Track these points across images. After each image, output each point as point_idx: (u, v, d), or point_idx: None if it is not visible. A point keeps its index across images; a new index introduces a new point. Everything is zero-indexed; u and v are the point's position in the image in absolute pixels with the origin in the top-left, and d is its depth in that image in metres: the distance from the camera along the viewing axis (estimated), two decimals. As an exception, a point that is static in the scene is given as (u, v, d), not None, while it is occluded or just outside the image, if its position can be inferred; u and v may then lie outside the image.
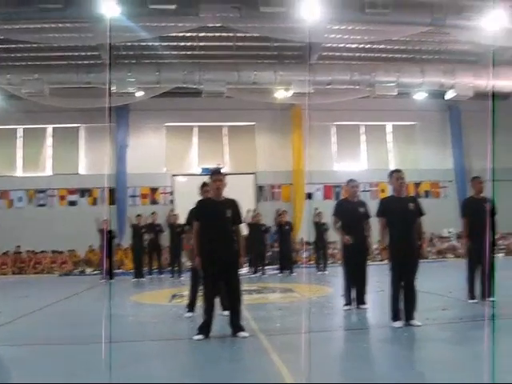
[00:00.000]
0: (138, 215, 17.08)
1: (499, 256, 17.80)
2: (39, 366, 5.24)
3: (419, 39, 19.76)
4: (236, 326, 6.34)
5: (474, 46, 20.19)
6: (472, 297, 8.44)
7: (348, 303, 8.30)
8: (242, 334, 6.26)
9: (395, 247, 6.72)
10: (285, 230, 16.90)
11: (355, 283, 8.34)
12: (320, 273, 16.27)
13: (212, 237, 6.39)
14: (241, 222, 6.73)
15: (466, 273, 8.58)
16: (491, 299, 8.23)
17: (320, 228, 16.65)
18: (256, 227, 16.55)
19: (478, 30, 17.02)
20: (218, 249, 6.33)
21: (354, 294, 8.33)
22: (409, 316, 6.63)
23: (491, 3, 16.06)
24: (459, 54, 21.38)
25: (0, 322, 7.70)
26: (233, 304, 6.48)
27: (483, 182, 8.80)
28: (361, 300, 8.31)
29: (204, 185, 7.51)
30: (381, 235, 6.94)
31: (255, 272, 16.34)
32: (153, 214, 17.33)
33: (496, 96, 21.79)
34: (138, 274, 16.20)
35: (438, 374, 4.60)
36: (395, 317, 6.61)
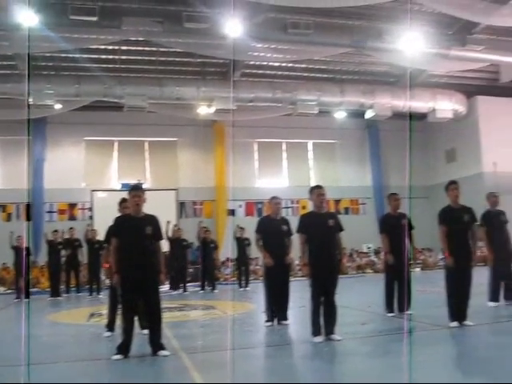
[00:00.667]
0: (55, 231, 16.49)
1: (416, 270, 18.35)
2: None
3: (339, 60, 20.29)
4: (156, 344, 6.17)
5: (392, 67, 20.95)
6: (390, 310, 8.61)
7: (270, 319, 8.27)
8: (163, 352, 6.10)
9: (315, 263, 6.75)
10: (209, 248, 16.74)
11: (277, 299, 8.33)
12: (242, 289, 16.21)
13: (131, 254, 6.21)
14: (161, 239, 6.58)
15: (384, 287, 8.75)
16: (409, 312, 8.44)
17: (242, 244, 16.62)
18: (177, 243, 16.35)
19: (396, 52, 17.69)
20: (136, 266, 6.16)
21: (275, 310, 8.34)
22: (329, 331, 6.65)
23: (408, 27, 16.72)
24: (378, 75, 22.14)
25: None
26: (152, 322, 6.30)
27: (399, 199, 9.06)
28: (282, 316, 8.31)
29: (123, 201, 7.30)
30: (301, 251, 6.96)
31: (176, 289, 16.10)
32: (71, 229, 16.73)
33: (412, 116, 22.62)
34: (55, 292, 15.63)
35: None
36: (316, 332, 6.61)
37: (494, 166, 22.46)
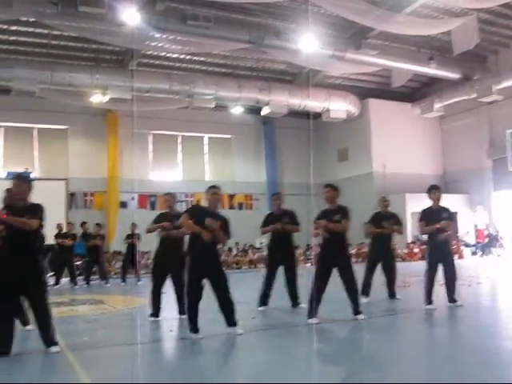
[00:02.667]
0: None
1: (306, 266, 18.72)
2: None
3: (238, 55, 20.36)
4: (47, 341, 5.87)
5: (289, 66, 21.29)
6: (263, 304, 8.85)
7: (154, 314, 8.13)
8: (54, 348, 5.80)
9: (197, 260, 6.73)
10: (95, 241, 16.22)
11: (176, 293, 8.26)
12: (132, 283, 15.87)
13: (12, 247, 5.85)
14: (42, 227, 6.22)
15: (264, 280, 8.94)
16: (301, 305, 8.64)
17: (132, 238, 16.28)
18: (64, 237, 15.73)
19: (293, 51, 17.96)
20: (17, 259, 5.80)
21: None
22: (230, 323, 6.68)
23: (306, 27, 17.04)
24: (275, 73, 22.44)
25: None
26: (40, 319, 5.96)
27: (280, 198, 9.36)
28: (181, 310, 8.22)
29: (8, 191, 6.90)
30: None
31: (57, 283, 15.42)
32: None
33: (307, 115, 23.13)
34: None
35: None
36: (193, 328, 6.57)
37: (383, 166, 23.42)
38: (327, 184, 7.76)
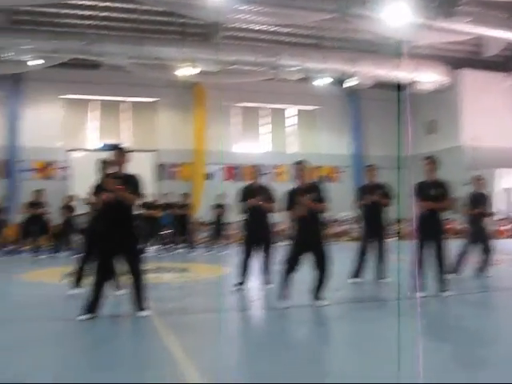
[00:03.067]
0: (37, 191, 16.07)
1: (392, 240, 18.49)
2: None
3: (323, 26, 20.06)
4: (137, 304, 6.16)
5: (375, 36, 20.76)
6: (356, 276, 8.74)
7: (241, 283, 8.28)
8: (143, 313, 6.09)
9: (299, 231, 6.78)
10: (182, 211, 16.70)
11: (262, 264, 8.38)
12: (217, 253, 16.23)
13: (111, 216, 6.15)
14: (142, 197, 6.49)
15: (357, 254, 8.83)
16: (386, 280, 8.57)
17: (219, 209, 16.63)
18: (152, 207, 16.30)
19: (380, 21, 17.50)
20: (116, 228, 6.09)
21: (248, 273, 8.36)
22: (316, 295, 6.75)
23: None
24: (362, 43, 21.91)
25: None
26: (133, 283, 6.26)
27: (375, 170, 9.12)
28: (266, 279, 8.35)
29: (105, 162, 7.22)
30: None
31: (144, 252, 16.01)
32: (38, 191, 16.18)
33: (394, 86, 22.59)
34: (33, 251, 15.54)
35: (333, 353, 4.65)
36: (283, 297, 6.64)
37: (473, 140, 22.61)
38: (427, 156, 7.66)
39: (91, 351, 4.81)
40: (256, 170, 8.78)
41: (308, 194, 6.81)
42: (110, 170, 6.55)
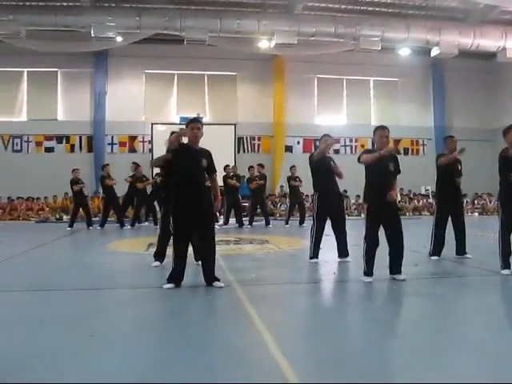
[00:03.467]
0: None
1: (474, 215, 18.01)
2: (10, 313, 5.18)
3: (406, -7, 19.50)
4: (210, 276, 6.32)
5: (460, 2, 19.98)
6: (434, 254, 8.52)
7: (314, 256, 8.30)
8: (218, 284, 6.25)
9: (374, 204, 6.66)
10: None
11: (336, 237, 8.35)
12: (296, 225, 16.30)
13: (187, 184, 6.31)
14: (215, 172, 6.61)
15: (434, 229, 8.63)
16: (467, 256, 8.37)
17: (291, 182, 16.66)
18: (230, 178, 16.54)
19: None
20: (192, 197, 6.25)
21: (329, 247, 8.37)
22: (394, 270, 6.66)
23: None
24: (446, 11, 21.15)
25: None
26: (206, 254, 6.44)
27: (456, 141, 8.79)
28: (342, 253, 8.33)
29: (172, 133, 7.36)
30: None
31: (226, 223, 16.32)
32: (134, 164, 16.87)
33: (479, 56, 21.72)
34: (119, 222, 16.24)
35: (411, 328, 4.64)
36: (367, 272, 6.61)
37: None
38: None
39: (170, 318, 4.98)
40: (326, 140, 8.61)
41: (390, 163, 6.69)
42: (183, 143, 6.66)
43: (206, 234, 6.36)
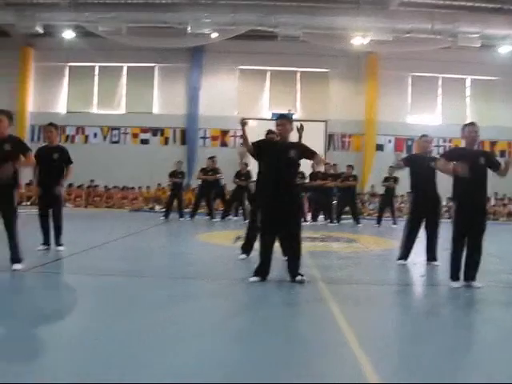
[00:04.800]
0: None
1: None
2: (98, 296, 5.48)
3: (509, -13, 18.71)
4: (294, 273, 6.37)
5: None
6: None
7: (403, 257, 8.15)
8: (300, 278, 6.27)
9: (461, 203, 6.46)
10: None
11: (427, 239, 8.15)
12: (388, 225, 16.05)
13: (272, 179, 6.40)
14: (315, 153, 6.58)
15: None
16: None
17: (388, 182, 16.41)
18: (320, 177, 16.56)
19: None
20: (281, 195, 6.32)
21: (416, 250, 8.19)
22: (469, 276, 6.38)
23: None
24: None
25: (72, 252, 8.05)
26: (291, 250, 6.48)
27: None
28: (431, 256, 8.13)
29: (269, 132, 7.49)
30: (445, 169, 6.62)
31: (314, 220, 16.41)
32: (210, 158, 16.99)
33: None
34: (208, 214, 16.56)
35: (497, 337, 4.51)
36: (453, 276, 6.42)
37: None
38: None
39: (255, 312, 5.08)
40: (426, 141, 8.45)
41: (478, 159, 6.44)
42: (275, 138, 6.76)
43: (291, 229, 6.42)
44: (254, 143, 6.59)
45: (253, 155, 6.65)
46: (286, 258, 6.65)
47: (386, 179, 16.45)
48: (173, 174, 16.35)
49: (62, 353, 3.69)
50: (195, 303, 5.28)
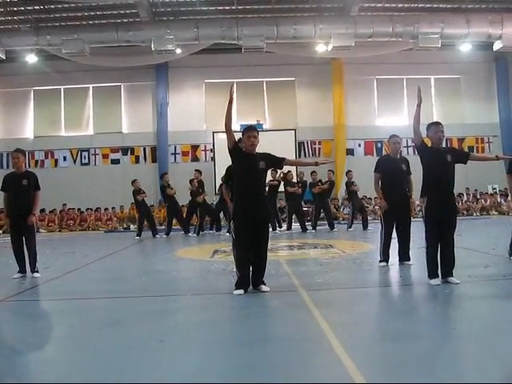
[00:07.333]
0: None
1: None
2: (81, 318, 5.39)
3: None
4: (260, 279, 6.41)
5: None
6: None
7: (384, 260, 8.23)
8: (264, 288, 6.32)
9: (430, 200, 6.53)
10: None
11: (398, 240, 8.23)
12: (360, 229, 16.16)
13: (247, 192, 6.40)
14: (283, 159, 6.65)
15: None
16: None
17: (350, 187, 16.57)
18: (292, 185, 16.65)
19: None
20: (251, 204, 6.32)
21: (390, 250, 8.27)
22: (446, 273, 6.45)
23: None
24: (507, 2, 20.54)
25: (48, 278, 7.94)
26: (262, 259, 6.43)
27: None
28: (404, 256, 8.19)
29: (239, 141, 7.48)
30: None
31: (289, 229, 16.47)
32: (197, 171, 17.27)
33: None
34: (184, 230, 16.63)
35: (480, 331, 4.55)
36: (432, 274, 6.46)
37: None
38: None
39: (241, 323, 5.07)
40: (396, 141, 8.53)
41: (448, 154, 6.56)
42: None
43: (262, 238, 6.43)
44: (236, 141, 6.55)
45: (230, 149, 6.55)
46: (252, 266, 6.57)
47: (351, 184, 16.61)
48: (135, 193, 16.28)
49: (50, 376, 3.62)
50: (182, 317, 5.26)
